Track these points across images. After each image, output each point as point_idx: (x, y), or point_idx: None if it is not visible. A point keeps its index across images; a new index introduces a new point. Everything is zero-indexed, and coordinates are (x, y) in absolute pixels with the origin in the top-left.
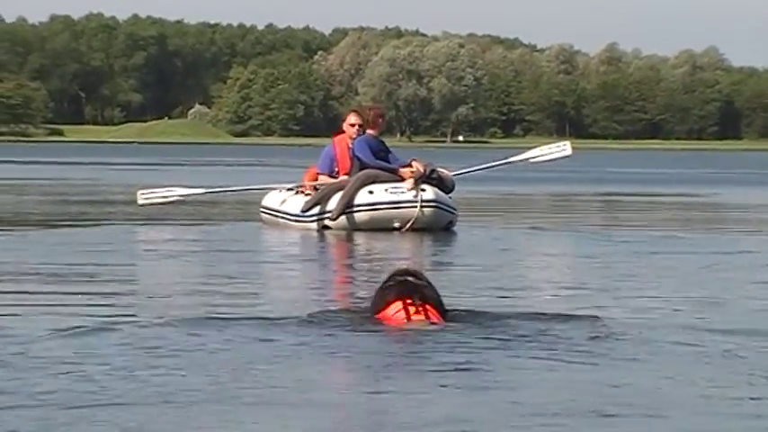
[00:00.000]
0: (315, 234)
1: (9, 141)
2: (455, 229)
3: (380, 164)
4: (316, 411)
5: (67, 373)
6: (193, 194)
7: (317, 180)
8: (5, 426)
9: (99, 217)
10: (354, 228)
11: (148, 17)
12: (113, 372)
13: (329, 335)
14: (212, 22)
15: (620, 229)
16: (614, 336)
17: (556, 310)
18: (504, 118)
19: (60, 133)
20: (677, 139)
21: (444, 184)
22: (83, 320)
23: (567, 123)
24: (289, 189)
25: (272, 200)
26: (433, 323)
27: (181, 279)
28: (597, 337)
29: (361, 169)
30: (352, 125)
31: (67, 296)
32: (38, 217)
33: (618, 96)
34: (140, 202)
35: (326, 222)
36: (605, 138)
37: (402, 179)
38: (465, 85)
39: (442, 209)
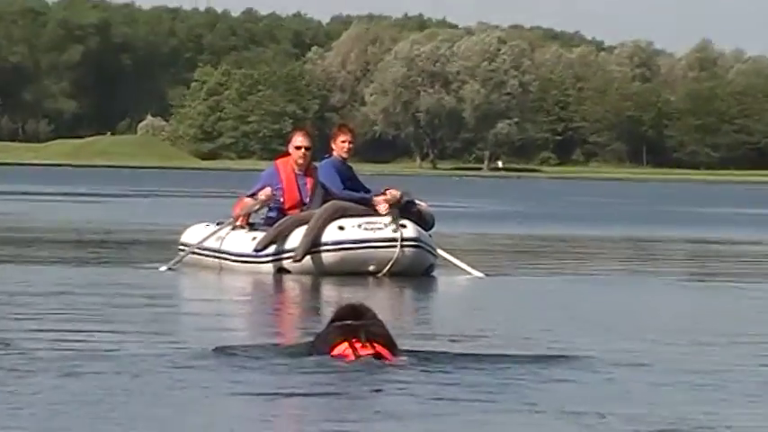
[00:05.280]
0: (269, 278)
1: None
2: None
3: (351, 194)
4: None
5: None
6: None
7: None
8: None
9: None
10: (321, 271)
11: (87, 0)
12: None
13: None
14: (171, 5)
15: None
16: (561, 377)
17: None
18: (558, 138)
19: None
20: None
21: (424, 220)
22: None
23: (644, 147)
24: (218, 224)
25: (203, 237)
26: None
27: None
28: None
29: (326, 200)
30: (299, 148)
31: None
32: None
33: (713, 112)
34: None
35: (285, 264)
36: (695, 167)
37: (376, 212)
38: (507, 94)
39: (424, 249)
